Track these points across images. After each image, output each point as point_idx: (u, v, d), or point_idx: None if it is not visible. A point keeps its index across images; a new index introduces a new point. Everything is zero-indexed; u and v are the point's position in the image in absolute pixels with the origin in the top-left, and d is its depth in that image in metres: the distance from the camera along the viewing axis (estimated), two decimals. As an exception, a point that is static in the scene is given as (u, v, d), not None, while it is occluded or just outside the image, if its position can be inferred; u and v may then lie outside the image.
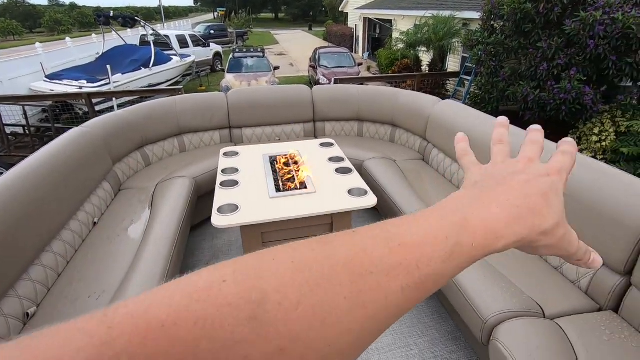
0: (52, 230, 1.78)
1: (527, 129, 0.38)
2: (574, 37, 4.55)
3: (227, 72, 9.83)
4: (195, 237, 2.83)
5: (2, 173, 5.96)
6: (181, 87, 7.99)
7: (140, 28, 12.89)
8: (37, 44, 9.53)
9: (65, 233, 1.87)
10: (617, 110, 4.80)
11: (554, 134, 5.59)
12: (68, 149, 2.08)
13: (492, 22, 6.12)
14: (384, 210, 2.58)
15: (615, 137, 4.57)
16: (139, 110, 2.89)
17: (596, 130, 4.75)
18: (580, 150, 4.85)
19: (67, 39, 11.77)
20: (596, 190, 1.55)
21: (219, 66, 15.36)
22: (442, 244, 0.26)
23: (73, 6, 46.63)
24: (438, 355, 1.85)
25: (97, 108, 7.47)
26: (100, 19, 10.28)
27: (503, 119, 0.41)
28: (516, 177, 0.32)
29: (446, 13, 8.72)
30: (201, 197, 2.74)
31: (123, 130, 2.66)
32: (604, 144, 4.63)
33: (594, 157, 4.69)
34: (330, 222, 1.86)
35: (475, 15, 7.45)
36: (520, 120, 5.54)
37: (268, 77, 9.47)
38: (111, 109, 8.31)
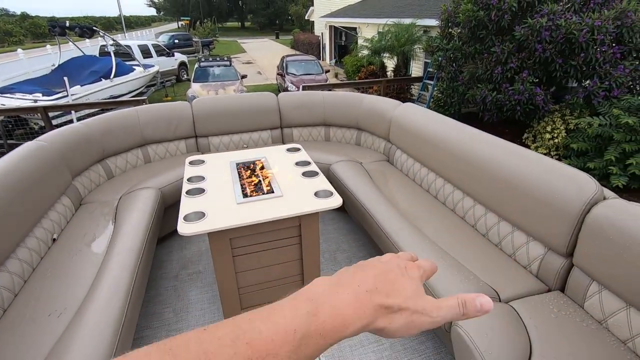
0: (6, 249, 1.69)
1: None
2: (523, 42, 4.88)
3: (194, 82, 9.69)
4: (164, 248, 2.77)
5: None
6: (145, 97, 7.79)
7: (99, 38, 12.46)
8: (-14, 56, 9.01)
9: (22, 251, 1.79)
10: (566, 109, 5.17)
11: (511, 133, 5.93)
12: (22, 163, 2.00)
13: (450, 29, 6.43)
14: (351, 211, 2.65)
15: (565, 134, 4.91)
16: (98, 122, 2.81)
17: (549, 128, 5.09)
18: (536, 148, 5.18)
19: (19, 50, 11.18)
20: (541, 182, 1.68)
21: (185, 76, 15.07)
22: (290, 338, 0.27)
23: (24, 16, 44.29)
24: (408, 347, 1.92)
25: (54, 122, 7.12)
26: (55, 30, 9.83)
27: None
28: (377, 265, 0.35)
29: (407, 20, 9.06)
30: (168, 208, 2.69)
31: (82, 143, 2.57)
32: (556, 140, 4.96)
33: (548, 153, 5.02)
34: (299, 225, 1.89)
35: (434, 22, 7.79)
36: (480, 122, 5.84)
37: (236, 86, 9.42)
38: (70, 122, 7.95)
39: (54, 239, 2.06)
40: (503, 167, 1.89)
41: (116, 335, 1.45)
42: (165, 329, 2.07)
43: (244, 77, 10.50)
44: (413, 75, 9.93)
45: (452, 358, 1.85)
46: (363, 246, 2.77)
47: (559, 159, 4.73)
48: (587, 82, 4.73)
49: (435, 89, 7.50)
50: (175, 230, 2.88)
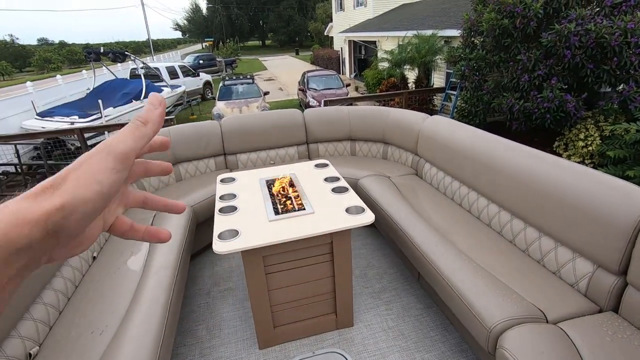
0: (51, 267, 1.77)
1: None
2: (551, 48, 4.75)
3: (218, 100, 9.98)
4: (196, 265, 2.82)
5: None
6: (173, 117, 8.09)
7: (130, 62, 13.16)
8: (28, 83, 9.64)
9: (65, 269, 1.86)
10: (599, 115, 4.96)
11: (541, 142, 5.73)
12: None
13: (473, 39, 6.36)
14: (382, 227, 2.61)
15: (600, 141, 4.70)
16: (135, 142, 2.92)
17: (582, 136, 4.89)
18: (568, 156, 4.98)
19: (58, 76, 11.91)
20: (588, 196, 1.60)
21: (210, 94, 15.60)
22: None
23: (62, 44, 47.40)
24: (446, 368, 1.84)
25: (89, 142, 7.50)
26: (91, 55, 10.47)
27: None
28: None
29: (428, 32, 9.05)
30: (199, 225, 2.75)
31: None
32: (590, 148, 4.75)
33: (582, 162, 4.80)
34: (330, 242, 1.88)
35: (456, 32, 7.74)
36: (507, 130, 5.68)
37: (258, 103, 9.63)
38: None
39: (94, 257, 2.14)
40: (543, 179, 1.82)
41: (156, 353, 1.47)
42: (199, 346, 2.08)
43: (266, 93, 10.74)
44: (435, 86, 9.85)
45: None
46: (393, 262, 2.71)
47: (594, 168, 4.52)
48: (622, 86, 4.53)
49: (459, 99, 7.40)
50: (207, 247, 2.94)
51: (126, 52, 10.92)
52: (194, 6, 50.15)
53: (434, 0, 14.17)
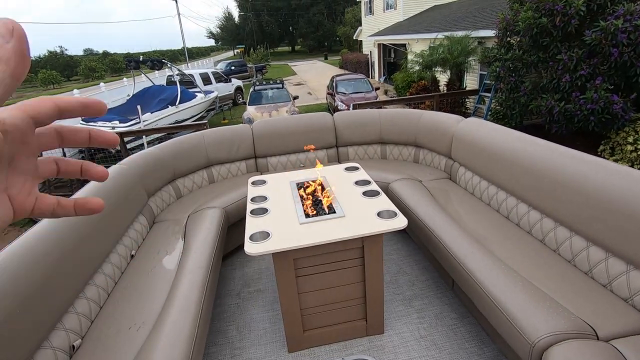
0: (94, 264, 1.85)
1: None
2: (595, 47, 4.48)
3: (249, 105, 10.20)
4: (226, 266, 2.87)
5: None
6: (206, 121, 8.34)
7: (166, 69, 13.77)
8: (75, 91, 10.31)
9: (107, 266, 1.95)
10: (651, 117, 4.61)
11: (583, 146, 5.40)
12: (108, 185, 2.20)
13: (508, 39, 6.12)
14: (414, 232, 2.54)
15: (652, 145, 4.36)
16: (170, 145, 3.04)
17: (630, 139, 4.56)
18: (615, 161, 4.65)
19: (101, 84, 12.65)
20: (633, 199, 1.48)
21: (241, 99, 16.00)
22: None
23: (105, 54, 50.38)
24: (484, 384, 1.75)
25: (128, 146, 7.89)
26: (131, 64, 11.05)
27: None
28: None
29: (460, 33, 8.82)
30: (231, 227, 2.80)
31: (156, 166, 2.79)
32: (640, 152, 4.42)
33: (632, 167, 4.47)
34: (361, 246, 1.85)
35: (490, 33, 7.49)
36: (547, 133, 5.40)
37: (288, 107, 9.74)
38: (141, 146, 8.76)
39: (132, 255, 2.23)
40: (593, 184, 1.70)
41: (189, 350, 1.50)
42: (229, 346, 2.11)
43: (295, 98, 10.86)
44: (468, 89, 9.56)
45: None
46: (425, 269, 2.63)
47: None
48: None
49: (493, 101, 7.13)
50: (238, 248, 2.99)
51: (163, 60, 11.44)
52: (227, 14, 51.82)
53: (466, 1, 13.81)
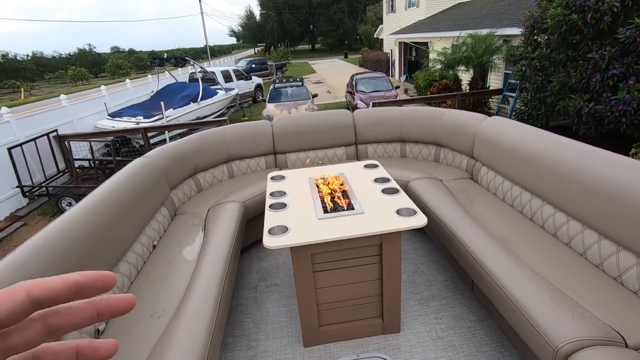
0: (119, 252, 1.92)
1: None
2: (629, 45, 4.28)
3: (268, 102, 10.29)
4: (244, 259, 2.91)
5: (70, 203, 6.56)
6: (226, 118, 8.47)
7: (189, 67, 14.05)
8: (103, 87, 10.63)
9: (130, 255, 2.01)
10: (688, 119, 4.37)
11: (614, 149, 5.18)
12: (134, 177, 2.27)
13: (536, 37, 5.93)
14: (433, 231, 2.50)
15: (689, 149, 4.14)
16: (192, 140, 3.10)
17: (665, 142, 4.34)
18: (648, 165, 4.43)
19: (127, 80, 13.01)
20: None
21: (260, 97, 16.16)
22: None
23: (131, 52, 51.86)
24: (503, 388, 1.71)
25: (151, 141, 8.09)
26: (156, 61, 11.33)
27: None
28: None
29: (484, 31, 8.61)
30: (249, 221, 2.83)
31: (179, 160, 2.86)
32: (676, 156, 4.20)
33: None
34: (380, 243, 1.84)
35: (516, 31, 7.28)
36: (574, 135, 5.21)
37: (307, 105, 9.76)
38: (164, 141, 8.97)
39: (154, 246, 2.29)
40: (623, 186, 1.63)
41: (208, 339, 1.53)
42: (246, 338, 2.14)
43: (314, 96, 10.87)
44: (491, 88, 9.32)
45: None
46: (444, 269, 2.59)
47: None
48: None
49: (518, 101, 6.93)
50: (255, 242, 3.02)
51: (186, 58, 11.67)
52: (249, 13, 52.36)
53: (491, -2, 13.45)
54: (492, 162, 2.62)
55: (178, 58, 11.66)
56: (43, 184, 6.86)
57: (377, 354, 1.96)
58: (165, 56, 11.51)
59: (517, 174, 2.34)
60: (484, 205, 2.46)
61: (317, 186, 2.29)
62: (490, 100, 9.02)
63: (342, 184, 2.28)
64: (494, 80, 9.67)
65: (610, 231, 1.69)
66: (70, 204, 6.67)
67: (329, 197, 2.12)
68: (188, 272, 2.00)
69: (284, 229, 1.81)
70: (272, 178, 2.52)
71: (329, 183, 2.25)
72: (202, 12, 31.86)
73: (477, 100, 8.63)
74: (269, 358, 1.99)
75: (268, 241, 1.72)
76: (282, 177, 2.52)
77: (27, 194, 6.81)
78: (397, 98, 10.02)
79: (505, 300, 1.62)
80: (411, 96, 12.74)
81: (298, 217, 1.94)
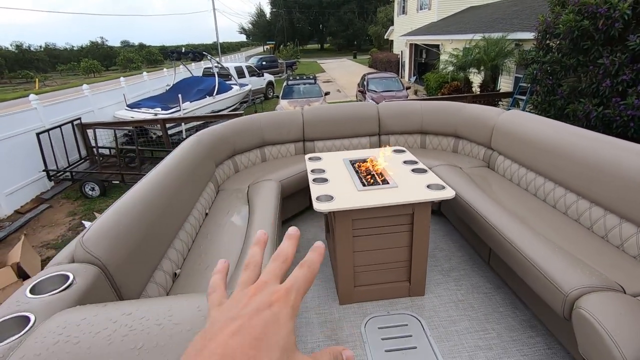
0: (183, 216, 2.20)
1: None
2: (639, 52, 4.51)
3: (282, 98, 10.56)
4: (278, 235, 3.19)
5: (93, 188, 6.86)
6: (242, 112, 8.75)
7: (201, 62, 14.36)
8: (122, 79, 10.96)
9: (191, 218, 2.29)
10: (693, 123, 4.59)
11: (621, 150, 5.40)
12: (189, 154, 2.55)
13: (548, 41, 6.16)
14: (454, 209, 2.77)
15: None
16: (232, 125, 3.38)
17: (670, 145, 4.56)
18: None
19: (144, 73, 13.34)
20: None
21: (271, 94, 16.46)
22: None
23: (142, 46, 52.40)
24: (517, 339, 1.97)
25: (170, 132, 8.38)
26: (173, 55, 11.65)
27: (263, 234, 0.38)
28: (228, 326, 0.27)
29: (496, 35, 8.84)
30: (284, 199, 3.10)
31: (222, 141, 3.14)
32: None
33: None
34: (412, 213, 2.10)
35: (529, 35, 7.50)
36: (582, 136, 5.43)
37: (319, 102, 10.03)
38: (180, 133, 9.27)
39: (206, 214, 2.57)
40: (629, 168, 1.89)
41: None
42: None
43: (327, 94, 11.14)
44: (502, 91, 9.56)
45: (565, 353, 1.86)
46: (461, 247, 2.85)
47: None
48: None
49: (528, 103, 7.16)
50: (289, 219, 3.29)
51: (204, 53, 11.99)
52: (259, 11, 52.76)
53: (503, 3, 13.66)
54: (509, 151, 2.88)
55: (195, 53, 11.99)
56: (67, 169, 7.16)
57: (405, 311, 2.23)
58: (183, 50, 11.83)
59: (533, 161, 2.60)
60: (501, 189, 2.72)
61: (355, 165, 2.56)
62: (500, 103, 9.25)
63: (376, 164, 2.55)
64: (505, 84, 9.90)
65: (614, 207, 1.95)
66: (93, 189, 6.97)
67: (365, 174, 2.39)
68: (240, 234, 2.28)
69: (329, 197, 2.09)
70: (309, 159, 2.80)
71: (365, 163, 2.52)
72: (214, 9, 32.24)
73: (488, 102, 8.85)
74: (310, 312, 2.27)
75: (318, 206, 2.00)
76: (319, 158, 2.80)
77: (53, 178, 7.11)
78: (408, 98, 10.28)
79: (521, 260, 1.88)
80: (420, 98, 12.99)
81: (340, 189, 2.21)
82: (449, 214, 3.11)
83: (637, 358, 1.26)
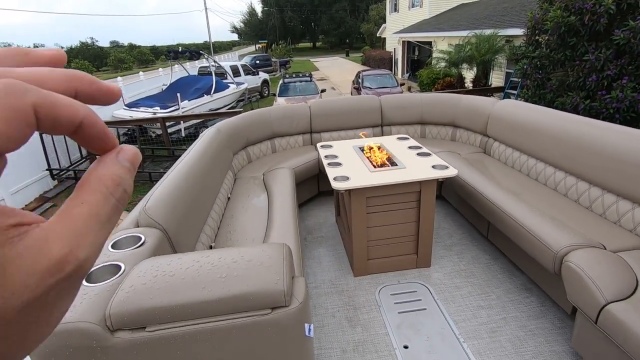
0: (211, 199, 2.41)
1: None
2: (623, 46, 4.76)
3: (278, 96, 10.74)
4: (291, 219, 3.41)
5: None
6: (241, 109, 8.92)
7: (196, 61, 14.47)
8: (119, 78, 11.05)
9: (218, 200, 2.51)
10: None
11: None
12: (211, 144, 2.76)
13: (537, 37, 6.44)
14: (454, 189, 3.02)
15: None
16: (246, 117, 3.60)
17: (651, 133, 4.85)
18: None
19: (140, 73, 13.42)
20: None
21: (267, 92, 16.64)
22: None
23: (132, 46, 52.00)
24: (514, 300, 2.23)
25: (169, 130, 8.51)
26: (171, 54, 11.75)
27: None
28: None
29: (487, 32, 9.14)
30: (296, 186, 3.33)
31: (237, 132, 3.36)
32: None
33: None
34: (419, 190, 2.35)
35: (519, 31, 7.80)
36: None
37: (316, 100, 10.22)
38: (179, 131, 9.41)
39: (229, 198, 2.79)
40: (617, 146, 2.14)
41: (298, 249, 2.00)
42: (306, 270, 2.64)
43: (323, 91, 11.36)
44: (493, 86, 9.88)
45: (556, 308, 2.12)
46: (461, 225, 3.11)
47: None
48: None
49: (519, 97, 7.46)
50: (299, 205, 3.52)
51: (200, 52, 12.12)
52: (251, 9, 52.74)
53: (493, 0, 14.01)
54: (503, 137, 3.14)
55: (192, 52, 12.10)
56: (70, 168, 7.27)
57: (414, 280, 2.47)
58: (180, 49, 11.94)
59: (525, 145, 2.87)
60: (497, 170, 2.98)
61: (364, 150, 2.80)
62: (493, 97, 9.56)
63: (383, 150, 2.79)
64: (496, 78, 10.22)
65: (599, 180, 2.21)
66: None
67: (375, 158, 2.63)
68: (263, 214, 2.49)
69: (345, 178, 2.32)
70: (321, 146, 3.03)
71: (374, 149, 2.76)
72: (206, 8, 32.20)
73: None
74: (328, 283, 2.50)
75: (336, 185, 2.23)
76: (330, 146, 3.03)
77: (56, 176, 7.22)
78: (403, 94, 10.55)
79: (517, 228, 2.14)
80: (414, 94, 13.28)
81: (353, 171, 2.44)
82: (450, 197, 3.37)
83: (615, 297, 1.52)
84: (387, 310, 2.22)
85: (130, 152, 0.24)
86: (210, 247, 2.09)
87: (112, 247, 1.37)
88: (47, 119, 0.19)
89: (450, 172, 2.31)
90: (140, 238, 1.43)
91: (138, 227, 1.56)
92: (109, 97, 0.23)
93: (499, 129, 3.20)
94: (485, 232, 2.77)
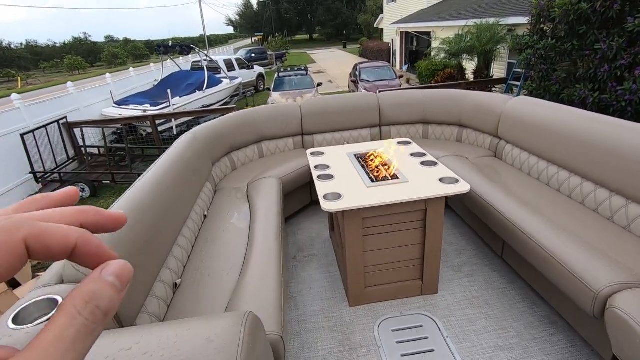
0: (182, 219, 2.06)
1: None
2: (637, 34, 4.43)
3: (273, 91, 10.35)
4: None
5: (83, 189, 6.63)
6: (234, 106, 8.53)
7: (189, 56, 14.00)
8: (108, 75, 10.61)
9: (189, 222, 2.15)
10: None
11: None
12: (184, 153, 2.39)
13: (542, 26, 6.06)
14: (463, 201, 2.67)
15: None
16: (229, 120, 3.22)
17: (670, 128, 4.52)
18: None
19: (131, 69, 12.96)
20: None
21: (262, 86, 16.18)
22: None
23: (126, 41, 51.15)
24: (537, 337, 1.89)
25: (159, 128, 8.13)
26: (161, 49, 11.29)
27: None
28: None
29: (488, 21, 8.72)
30: (285, 196, 2.97)
31: (218, 137, 2.99)
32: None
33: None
34: (424, 209, 1.99)
35: (522, 20, 7.40)
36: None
37: (312, 94, 9.84)
38: (170, 129, 9.02)
39: (205, 216, 2.43)
40: None
41: (279, 287, 1.66)
42: (294, 300, 2.30)
43: (319, 85, 10.96)
44: (495, 77, 9.48)
45: (589, 350, 1.79)
46: (471, 240, 2.77)
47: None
48: None
49: (523, 90, 7.09)
50: (290, 216, 3.17)
51: (192, 46, 11.65)
52: (246, 2, 51.80)
53: (494, -12, 13.51)
54: (518, 139, 2.78)
55: (183, 46, 11.63)
56: (55, 170, 6.91)
57: (419, 311, 2.14)
58: (170, 44, 11.48)
59: (545, 149, 2.50)
60: (512, 179, 2.63)
61: (361, 159, 2.44)
62: (494, 89, 9.18)
63: (383, 159, 2.43)
64: (498, 70, 9.82)
65: (639, 194, 1.86)
66: (83, 190, 6.75)
67: (373, 169, 2.27)
68: (243, 236, 2.15)
69: (337, 195, 1.96)
70: (311, 154, 2.67)
71: (372, 157, 2.40)
72: (200, 1, 31.49)
73: (481, 89, 8.77)
74: (319, 315, 2.16)
75: (326, 205, 1.87)
76: (322, 153, 2.67)
77: (40, 180, 6.86)
78: (401, 87, 10.14)
79: (541, 253, 1.79)
80: (413, 86, 12.85)
81: (347, 185, 2.09)
82: (456, 206, 3.02)
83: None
84: (389, 351, 1.89)
85: (116, 266, 0.24)
86: (175, 285, 1.74)
87: (14, 320, 1.01)
88: (39, 248, 0.21)
89: (462, 187, 1.96)
90: (56, 302, 1.08)
91: (62, 283, 1.20)
92: (115, 223, 0.27)
93: (513, 130, 2.83)
94: (500, 251, 2.42)
